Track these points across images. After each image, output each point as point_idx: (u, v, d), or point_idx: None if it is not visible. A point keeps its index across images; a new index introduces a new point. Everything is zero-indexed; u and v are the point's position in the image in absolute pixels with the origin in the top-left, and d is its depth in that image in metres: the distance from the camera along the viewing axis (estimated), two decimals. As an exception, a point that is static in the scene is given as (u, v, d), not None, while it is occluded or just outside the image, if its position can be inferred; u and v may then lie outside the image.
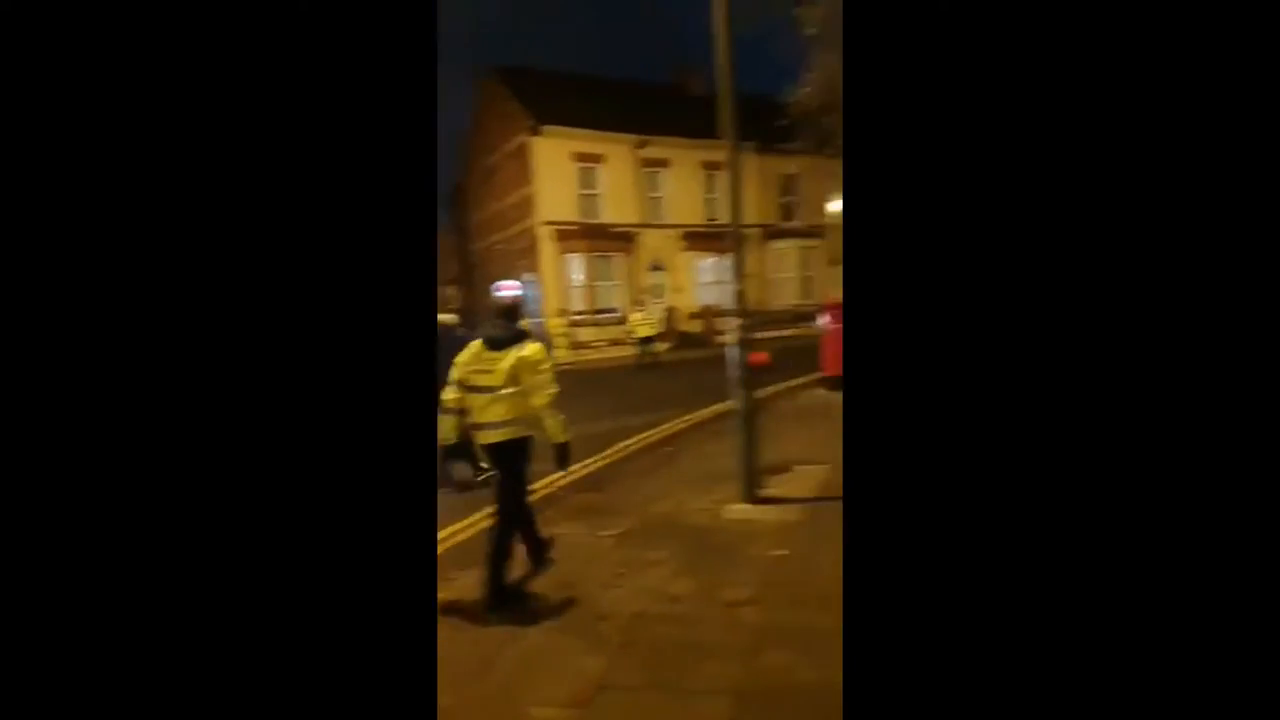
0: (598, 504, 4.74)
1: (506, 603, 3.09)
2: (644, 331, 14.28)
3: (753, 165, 18.99)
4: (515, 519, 3.26)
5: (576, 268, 18.77)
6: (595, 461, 5.96)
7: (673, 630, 2.86)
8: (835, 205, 18.97)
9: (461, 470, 4.44)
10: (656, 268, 19.88)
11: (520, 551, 3.34)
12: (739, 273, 4.49)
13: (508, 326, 3.20)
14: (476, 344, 3.18)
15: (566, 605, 3.15)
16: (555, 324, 16.71)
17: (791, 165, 16.91)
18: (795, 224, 21.72)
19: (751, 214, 19.40)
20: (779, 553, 3.59)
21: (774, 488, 4.66)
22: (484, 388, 3.09)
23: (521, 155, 18.99)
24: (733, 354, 4.49)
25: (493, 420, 3.09)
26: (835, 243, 22.22)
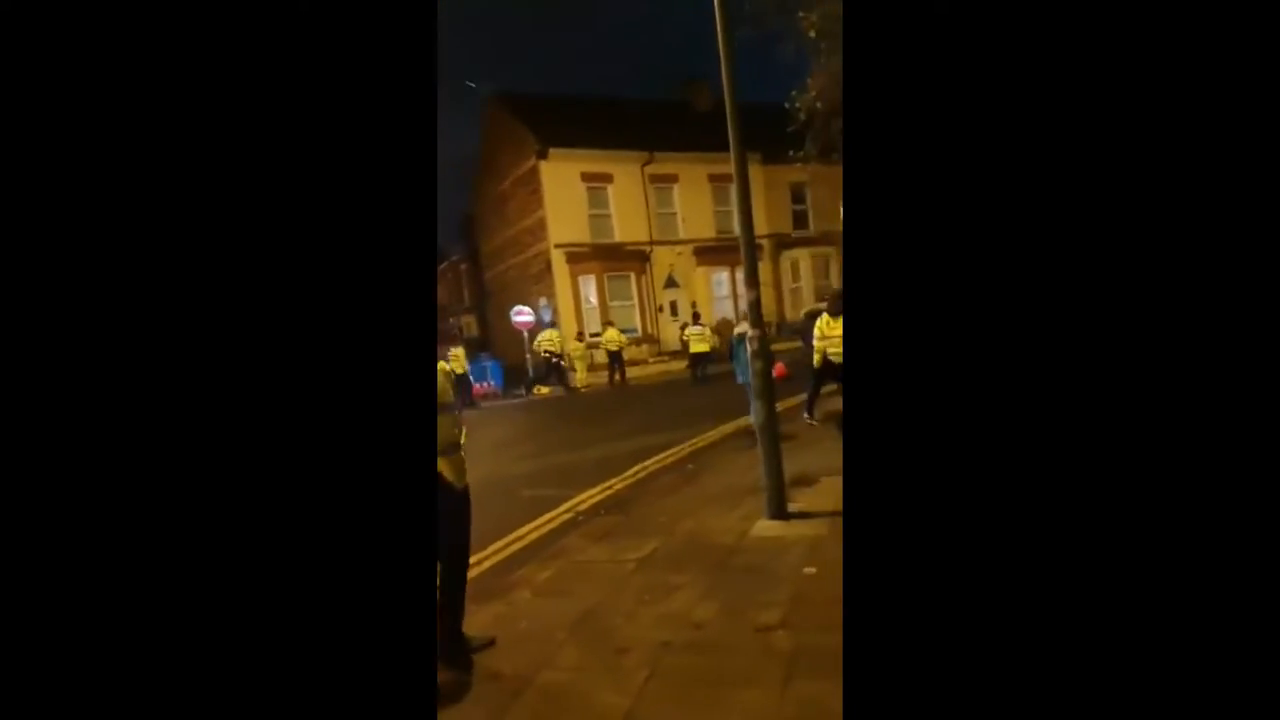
0: (620, 526, 4.63)
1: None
2: (698, 347, 13.65)
3: (761, 175, 18.91)
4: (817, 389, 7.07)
5: (591, 289, 18.74)
6: (617, 482, 5.86)
7: (699, 660, 2.73)
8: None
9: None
10: (672, 284, 19.80)
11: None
12: (751, 284, 4.38)
13: (838, 305, 6.75)
14: (825, 317, 6.83)
15: (588, 638, 3.03)
16: (575, 348, 16.51)
17: (801, 173, 16.77)
18: (807, 232, 21.60)
19: (762, 224, 19.31)
20: (809, 570, 3.45)
21: (801, 502, 4.51)
22: (832, 338, 6.65)
23: (531, 180, 19.10)
24: (753, 366, 4.37)
25: (837, 350, 6.53)
26: (850, 248, 22.04)
